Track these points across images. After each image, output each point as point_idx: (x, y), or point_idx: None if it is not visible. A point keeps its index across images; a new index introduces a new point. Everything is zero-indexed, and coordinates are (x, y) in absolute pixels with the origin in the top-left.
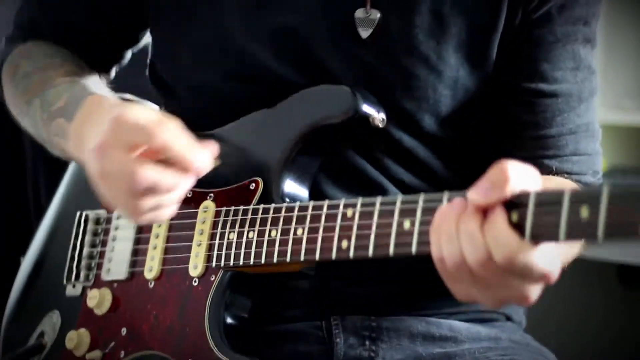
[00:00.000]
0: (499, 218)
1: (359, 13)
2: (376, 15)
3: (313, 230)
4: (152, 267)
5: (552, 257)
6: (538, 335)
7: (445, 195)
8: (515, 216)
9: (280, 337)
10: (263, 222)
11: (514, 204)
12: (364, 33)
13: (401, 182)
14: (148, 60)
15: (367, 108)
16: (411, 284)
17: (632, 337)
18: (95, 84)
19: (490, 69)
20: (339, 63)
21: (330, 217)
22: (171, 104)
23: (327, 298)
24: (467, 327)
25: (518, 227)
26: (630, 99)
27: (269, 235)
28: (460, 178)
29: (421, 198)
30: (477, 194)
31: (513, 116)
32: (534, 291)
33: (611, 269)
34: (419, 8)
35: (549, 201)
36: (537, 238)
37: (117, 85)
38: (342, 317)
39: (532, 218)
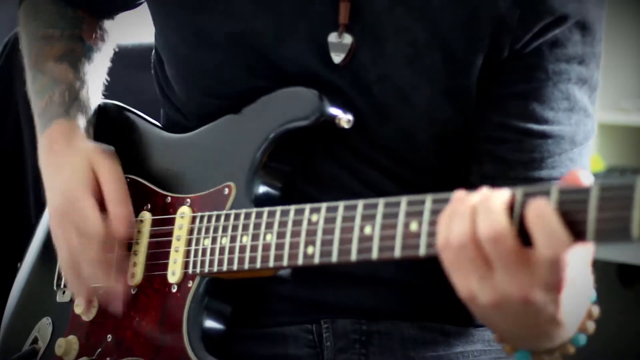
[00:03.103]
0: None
1: (332, 37)
2: (349, 40)
3: (281, 236)
4: (134, 274)
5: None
6: None
7: (404, 198)
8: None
9: (270, 340)
10: (235, 228)
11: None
12: (337, 58)
13: (382, 191)
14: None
15: (333, 109)
16: (403, 287)
17: (631, 336)
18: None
19: (471, 102)
20: (310, 86)
21: (297, 223)
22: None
23: (317, 301)
24: (459, 331)
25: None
26: (628, 100)
27: (241, 241)
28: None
29: (381, 202)
30: None
31: (501, 154)
32: (540, 294)
33: (611, 269)
34: (393, 36)
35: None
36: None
37: (118, 86)
38: (332, 320)
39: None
